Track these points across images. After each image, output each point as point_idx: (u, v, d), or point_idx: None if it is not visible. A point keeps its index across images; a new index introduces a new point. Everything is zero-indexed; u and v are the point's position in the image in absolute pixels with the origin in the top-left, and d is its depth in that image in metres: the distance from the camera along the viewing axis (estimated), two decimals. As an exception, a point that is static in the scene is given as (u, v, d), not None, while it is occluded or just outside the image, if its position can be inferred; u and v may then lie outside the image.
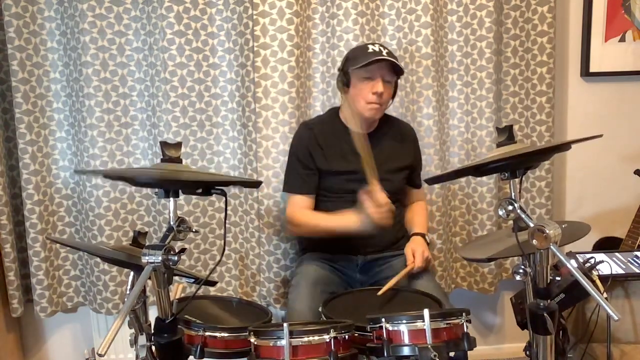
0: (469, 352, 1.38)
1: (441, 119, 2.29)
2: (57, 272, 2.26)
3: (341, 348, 1.33)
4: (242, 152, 2.25)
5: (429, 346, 1.32)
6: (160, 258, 1.15)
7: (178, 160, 1.26)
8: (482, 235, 2.35)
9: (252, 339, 1.37)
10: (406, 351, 1.34)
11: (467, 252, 1.76)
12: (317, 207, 1.99)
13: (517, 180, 1.28)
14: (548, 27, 2.27)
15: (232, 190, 2.27)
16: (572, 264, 1.15)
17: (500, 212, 1.26)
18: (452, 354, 1.36)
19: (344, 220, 1.83)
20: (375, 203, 1.74)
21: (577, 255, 1.95)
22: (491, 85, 2.27)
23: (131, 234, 1.65)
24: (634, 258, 1.97)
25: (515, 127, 2.34)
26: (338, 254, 1.97)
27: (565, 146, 1.36)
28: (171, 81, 2.14)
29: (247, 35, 2.15)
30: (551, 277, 1.26)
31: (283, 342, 1.30)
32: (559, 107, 2.43)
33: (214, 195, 1.27)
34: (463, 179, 2.37)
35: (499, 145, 1.32)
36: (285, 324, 1.29)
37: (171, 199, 1.23)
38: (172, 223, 1.22)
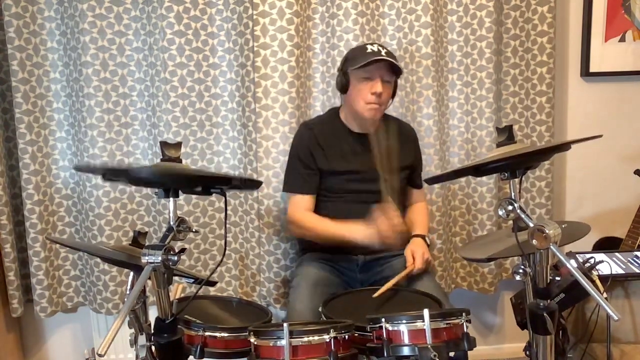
0: (469, 352, 1.38)
1: (441, 119, 2.29)
2: (57, 272, 2.27)
3: (341, 348, 1.33)
4: (242, 152, 2.25)
5: (429, 346, 1.32)
6: (160, 258, 1.15)
7: (178, 160, 1.26)
8: (482, 235, 2.35)
9: (252, 339, 1.37)
10: (406, 351, 1.34)
11: (467, 252, 1.76)
12: (317, 207, 1.99)
13: (517, 180, 1.27)
14: (548, 27, 2.27)
15: (232, 189, 2.27)
16: (572, 264, 1.15)
17: (500, 212, 1.26)
18: (452, 354, 1.36)
19: (351, 231, 1.82)
20: (387, 222, 1.74)
21: (577, 255, 1.95)
22: (491, 85, 2.27)
23: (131, 234, 1.65)
24: (634, 258, 1.97)
25: (515, 127, 2.34)
26: (338, 254, 1.97)
27: (565, 146, 1.36)
28: (171, 81, 2.14)
29: (247, 35, 2.15)
30: (551, 277, 1.26)
31: (283, 342, 1.30)
32: (559, 107, 2.43)
33: (213, 195, 1.27)
34: (463, 179, 2.37)
35: (499, 145, 1.32)
36: (285, 324, 1.29)
37: (171, 199, 1.23)
38: (172, 223, 1.22)
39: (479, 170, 1.30)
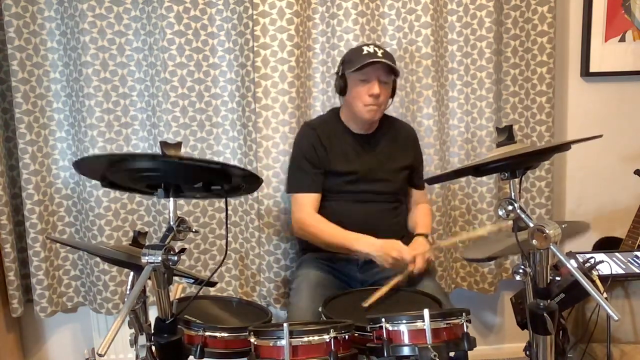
0: (469, 352, 1.37)
1: (441, 119, 2.29)
2: (57, 272, 2.26)
3: (341, 348, 1.33)
4: (242, 152, 2.25)
5: (429, 346, 1.32)
6: (160, 258, 1.15)
7: (178, 160, 1.25)
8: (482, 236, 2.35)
9: (252, 339, 1.37)
10: (406, 351, 1.33)
11: (467, 252, 1.76)
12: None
13: (517, 180, 1.28)
14: (548, 27, 2.27)
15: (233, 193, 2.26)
16: (572, 264, 1.15)
17: (500, 212, 1.26)
18: (452, 354, 1.36)
19: (360, 244, 1.82)
20: (399, 249, 1.76)
21: (577, 255, 1.95)
22: (491, 85, 2.27)
23: (131, 234, 1.65)
24: (634, 258, 1.97)
25: (515, 127, 2.34)
26: (338, 254, 1.97)
27: (565, 146, 1.36)
28: (171, 81, 2.14)
29: (247, 35, 2.15)
30: (551, 277, 1.26)
31: (283, 342, 1.29)
32: (559, 107, 2.43)
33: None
34: (463, 179, 2.37)
35: (499, 145, 1.32)
36: (285, 324, 1.29)
37: (171, 199, 1.23)
38: (172, 223, 1.22)
39: (479, 170, 1.31)
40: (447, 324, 1.36)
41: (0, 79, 2.19)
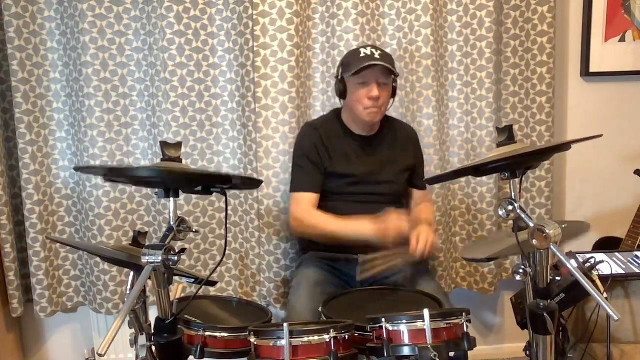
0: (469, 352, 1.38)
1: (441, 119, 2.29)
2: (57, 272, 2.26)
3: (341, 348, 1.33)
4: (242, 152, 2.25)
5: (429, 346, 1.32)
6: (160, 258, 1.15)
7: (178, 160, 1.26)
8: (482, 236, 2.35)
9: (252, 339, 1.37)
10: (406, 351, 1.34)
11: (467, 252, 1.76)
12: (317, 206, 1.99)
13: (517, 180, 1.28)
14: (548, 27, 2.27)
15: (232, 190, 2.26)
16: (572, 264, 1.15)
17: (500, 212, 1.26)
18: (452, 354, 1.36)
19: (356, 227, 1.80)
20: (398, 225, 1.73)
21: (577, 255, 1.95)
22: (491, 85, 2.27)
23: (131, 234, 1.65)
24: (634, 258, 1.97)
25: (515, 127, 2.34)
26: (338, 254, 1.97)
27: (565, 146, 1.36)
28: (171, 81, 2.14)
29: (247, 35, 2.15)
30: (551, 277, 1.26)
31: (283, 342, 1.29)
32: (559, 107, 2.43)
33: (213, 195, 1.27)
34: (463, 179, 2.37)
35: (499, 145, 1.32)
36: (285, 324, 1.29)
37: (171, 199, 1.23)
38: (172, 223, 1.22)
39: (479, 170, 1.31)
40: (447, 324, 1.37)
41: (0, 79, 2.19)
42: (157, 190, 1.26)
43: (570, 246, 2.08)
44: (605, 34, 2.40)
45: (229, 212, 2.28)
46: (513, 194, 1.26)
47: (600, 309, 1.62)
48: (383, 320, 1.36)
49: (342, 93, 1.93)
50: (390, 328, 1.36)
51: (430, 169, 2.26)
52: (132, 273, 1.43)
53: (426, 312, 1.33)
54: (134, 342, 1.37)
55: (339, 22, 2.18)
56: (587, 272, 1.74)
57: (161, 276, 1.20)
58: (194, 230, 1.28)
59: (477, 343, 1.42)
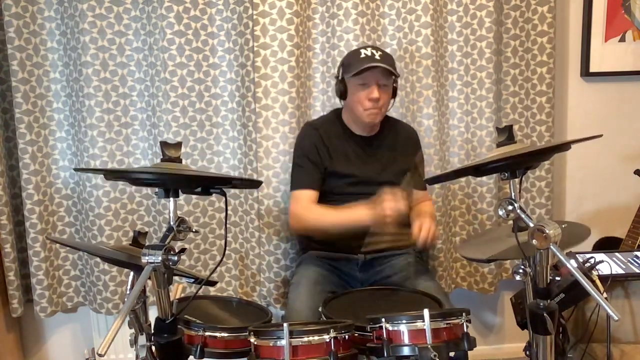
0: (469, 352, 1.37)
1: (441, 119, 2.29)
2: (57, 272, 2.27)
3: (341, 348, 1.33)
4: (242, 152, 2.25)
5: (429, 346, 1.32)
6: (160, 258, 1.15)
7: (178, 160, 1.26)
8: (482, 233, 2.34)
9: (252, 339, 1.37)
10: (406, 351, 1.34)
11: (466, 251, 1.75)
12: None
13: (517, 180, 1.28)
14: (548, 27, 2.27)
15: (232, 190, 2.27)
16: (572, 264, 1.15)
17: (500, 212, 1.26)
18: (452, 354, 1.36)
19: (354, 214, 1.79)
20: (394, 204, 1.71)
21: (577, 255, 1.95)
22: (491, 85, 2.27)
23: (131, 234, 1.65)
24: (634, 258, 1.97)
25: (515, 127, 2.34)
26: (338, 253, 1.97)
27: (565, 146, 1.36)
28: (171, 81, 2.14)
29: (247, 35, 2.15)
30: (551, 277, 1.26)
31: (283, 342, 1.29)
32: (559, 107, 2.43)
33: (213, 195, 1.27)
34: (463, 179, 2.37)
35: (499, 145, 1.32)
36: (285, 324, 1.29)
37: (171, 199, 1.23)
38: (172, 223, 1.22)
39: (479, 170, 1.31)
40: (447, 324, 1.36)
41: (0, 79, 2.19)
42: (157, 190, 1.26)
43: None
44: (605, 34, 2.40)
45: (229, 212, 2.28)
46: (513, 194, 1.26)
47: (600, 309, 1.62)
48: (383, 320, 1.36)
49: (342, 93, 1.93)
50: (390, 328, 1.36)
51: (430, 169, 2.26)
52: (132, 273, 1.43)
53: (426, 312, 1.34)
54: (134, 342, 1.37)
55: (339, 22, 2.18)
56: (587, 272, 1.74)
57: (161, 276, 1.20)
58: (193, 230, 1.28)
59: (477, 343, 1.42)
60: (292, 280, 1.97)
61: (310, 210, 1.91)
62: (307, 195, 1.93)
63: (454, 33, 2.27)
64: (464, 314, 1.39)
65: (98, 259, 2.16)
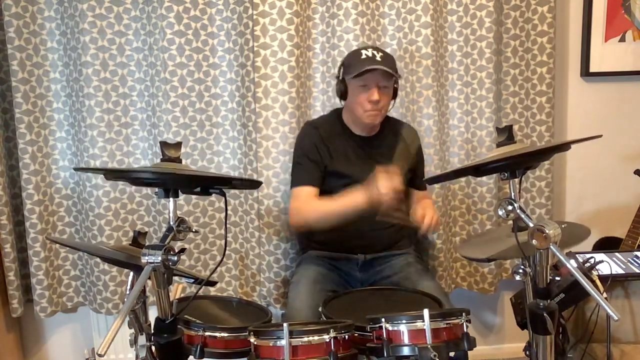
0: (469, 352, 1.37)
1: (441, 119, 2.29)
2: (57, 272, 2.27)
3: (341, 348, 1.33)
4: (242, 152, 2.25)
5: (429, 346, 1.32)
6: (160, 258, 1.15)
7: (178, 160, 1.26)
8: (482, 233, 2.35)
9: (252, 339, 1.37)
10: (406, 351, 1.34)
11: (466, 250, 1.75)
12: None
13: (517, 180, 1.28)
14: (548, 27, 2.27)
15: (232, 190, 2.27)
16: (572, 264, 1.15)
17: (500, 212, 1.26)
18: (452, 354, 1.36)
19: (351, 199, 1.77)
20: (389, 183, 1.70)
21: (577, 255, 1.95)
22: (491, 85, 2.27)
23: (131, 234, 1.65)
24: (634, 258, 1.97)
25: (515, 127, 2.34)
26: (338, 253, 1.97)
27: (565, 146, 1.36)
28: (171, 81, 2.14)
29: (247, 35, 2.15)
30: (551, 277, 1.26)
31: (283, 342, 1.29)
32: (559, 107, 2.43)
33: (213, 195, 1.27)
34: (463, 179, 2.37)
35: (499, 145, 1.32)
36: (285, 324, 1.29)
37: (171, 199, 1.23)
38: (172, 223, 1.22)
39: (479, 170, 1.31)
40: (447, 324, 1.37)
41: (0, 79, 2.19)
42: (156, 190, 1.26)
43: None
44: (605, 34, 2.40)
45: (229, 212, 2.28)
46: (513, 194, 1.26)
47: (600, 309, 1.62)
48: (383, 320, 1.36)
49: (342, 94, 1.93)
50: (390, 328, 1.36)
51: (430, 169, 2.26)
52: (132, 273, 1.43)
53: (426, 312, 1.34)
54: (133, 342, 1.37)
55: (339, 22, 2.18)
56: (587, 272, 1.74)
57: (161, 276, 1.20)
58: (193, 230, 1.28)
59: (477, 343, 1.42)
60: (292, 279, 1.97)
61: (309, 203, 1.91)
62: (307, 191, 1.93)
63: (454, 33, 2.27)
64: (463, 314, 1.39)
65: (98, 259, 2.16)
